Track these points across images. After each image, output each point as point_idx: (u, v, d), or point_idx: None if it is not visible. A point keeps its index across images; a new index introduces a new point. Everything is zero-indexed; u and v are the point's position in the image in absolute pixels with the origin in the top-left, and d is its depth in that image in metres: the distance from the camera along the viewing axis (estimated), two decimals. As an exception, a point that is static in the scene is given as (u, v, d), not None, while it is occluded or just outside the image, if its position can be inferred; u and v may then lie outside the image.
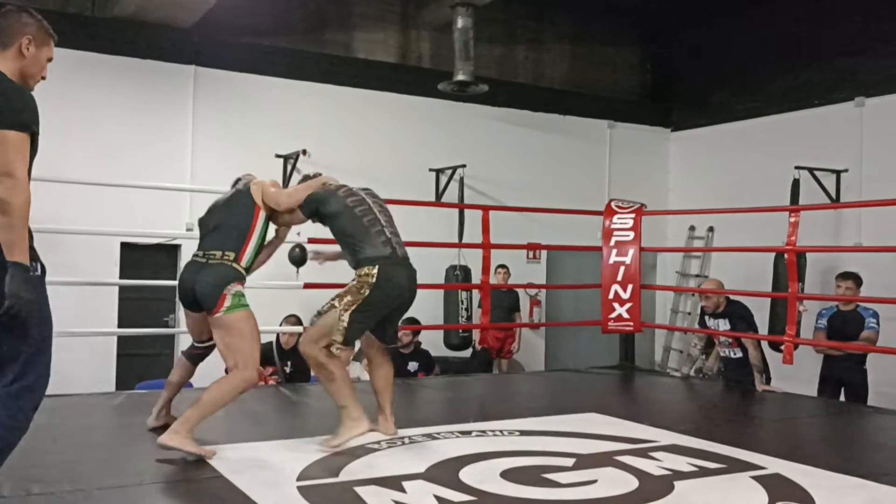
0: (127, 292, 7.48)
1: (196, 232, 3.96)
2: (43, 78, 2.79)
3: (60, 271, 6.58)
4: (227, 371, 3.64)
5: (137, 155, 7.54)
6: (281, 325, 6.28)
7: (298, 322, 6.11)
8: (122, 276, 7.34)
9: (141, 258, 7.56)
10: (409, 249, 3.90)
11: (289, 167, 8.23)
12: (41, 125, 2.58)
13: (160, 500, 2.99)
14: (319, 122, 8.39)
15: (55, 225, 6.54)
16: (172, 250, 7.83)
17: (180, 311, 8.01)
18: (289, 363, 6.22)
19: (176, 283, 3.68)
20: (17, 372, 2.48)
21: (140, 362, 7.64)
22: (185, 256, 7.99)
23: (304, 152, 8.00)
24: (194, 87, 7.99)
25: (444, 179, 9.13)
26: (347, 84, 8.67)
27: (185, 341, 7.82)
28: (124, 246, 7.47)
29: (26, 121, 2.50)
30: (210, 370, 4.18)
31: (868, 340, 5.70)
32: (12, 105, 2.50)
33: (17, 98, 2.54)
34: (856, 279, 5.96)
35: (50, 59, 2.78)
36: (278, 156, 8.24)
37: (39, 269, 2.57)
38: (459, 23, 8.25)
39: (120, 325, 7.34)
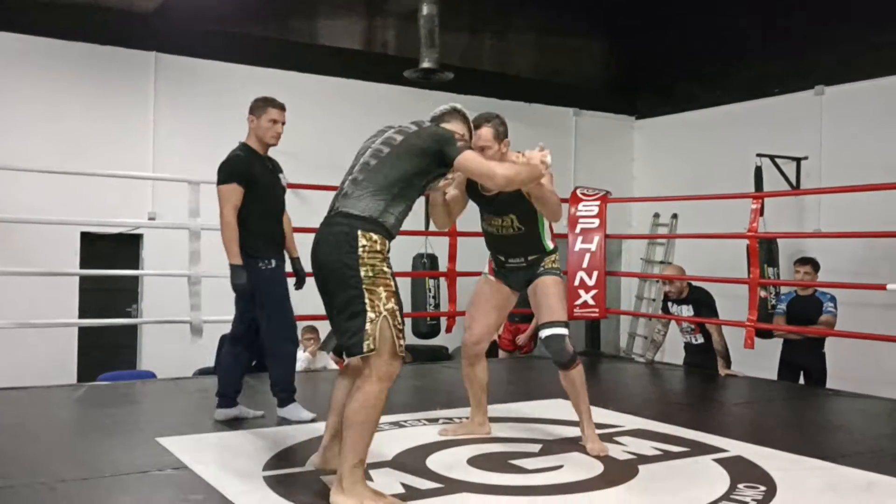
0: (88, 283, 7.35)
1: (157, 221, 3.99)
2: (278, 135, 4.02)
3: (18, 261, 6.57)
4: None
5: (97, 143, 7.40)
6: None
7: None
8: (82, 267, 7.21)
9: (102, 248, 7.43)
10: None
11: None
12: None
13: (124, 492, 2.95)
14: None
15: (12, 214, 6.41)
16: (134, 240, 7.71)
17: (143, 302, 7.95)
18: None
19: (138, 272, 3.57)
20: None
21: (102, 354, 7.53)
22: (147, 246, 7.98)
23: (269, 140, 7.92)
24: (155, 74, 7.85)
25: (410, 167, 9.09)
26: (312, 71, 8.59)
27: (148, 332, 7.78)
28: (84, 236, 7.33)
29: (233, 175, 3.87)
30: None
31: (826, 324, 5.80)
32: (225, 167, 3.90)
33: (229, 161, 3.92)
34: (814, 264, 6.06)
35: (274, 121, 3.98)
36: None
37: (274, 263, 3.93)
38: (425, 10, 8.20)
39: (81, 317, 7.22)
